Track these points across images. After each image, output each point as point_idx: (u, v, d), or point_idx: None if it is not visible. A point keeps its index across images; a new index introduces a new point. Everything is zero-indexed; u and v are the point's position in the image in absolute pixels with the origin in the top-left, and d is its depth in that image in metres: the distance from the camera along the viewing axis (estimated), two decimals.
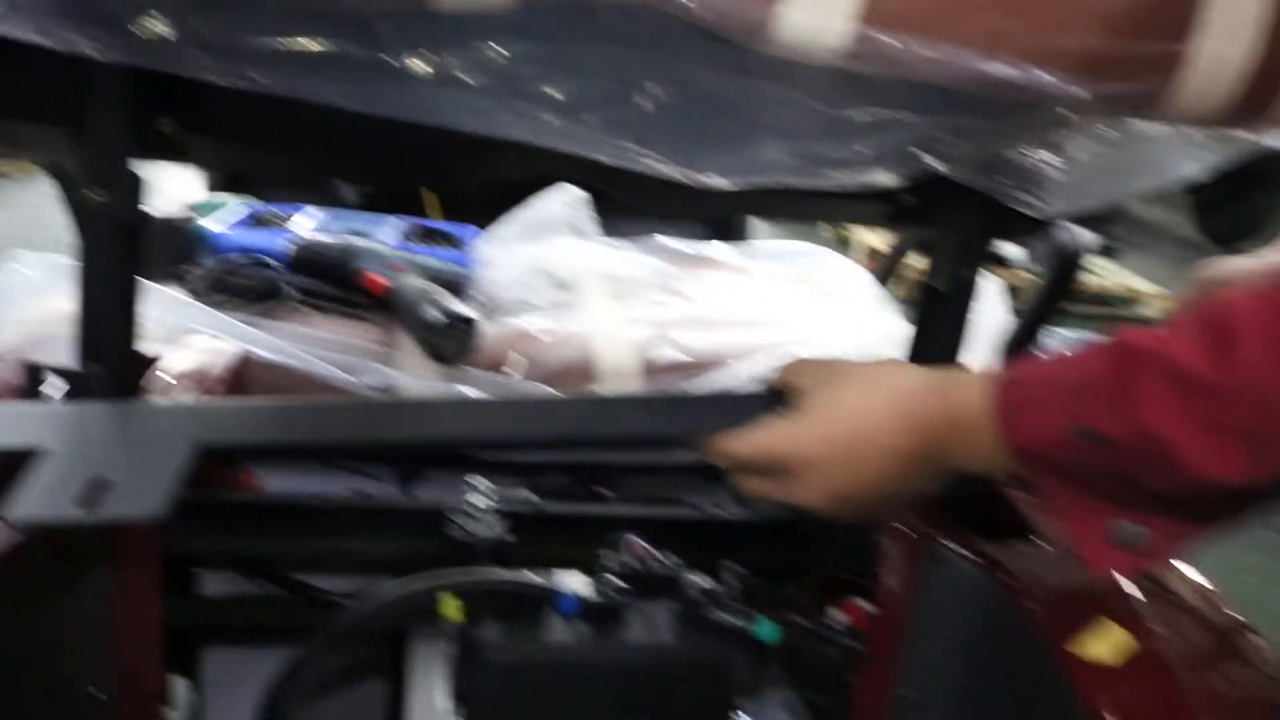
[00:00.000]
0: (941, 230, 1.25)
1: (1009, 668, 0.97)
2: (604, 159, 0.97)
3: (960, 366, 0.84)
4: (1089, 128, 1.06)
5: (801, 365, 0.92)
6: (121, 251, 0.99)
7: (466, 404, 1.13)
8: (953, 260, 1.23)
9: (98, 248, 0.98)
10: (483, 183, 1.14)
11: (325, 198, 2.42)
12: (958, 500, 1.10)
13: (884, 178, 1.05)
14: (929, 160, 1.04)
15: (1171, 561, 0.79)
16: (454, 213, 2.05)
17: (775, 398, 0.91)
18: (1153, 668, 0.88)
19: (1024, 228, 1.31)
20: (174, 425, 0.89)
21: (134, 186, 1.00)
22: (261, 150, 1.12)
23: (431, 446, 0.98)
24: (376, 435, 0.96)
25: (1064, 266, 1.61)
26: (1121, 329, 0.72)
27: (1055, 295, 1.66)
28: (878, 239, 6.51)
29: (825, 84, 0.96)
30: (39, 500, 0.77)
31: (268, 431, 0.93)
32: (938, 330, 1.25)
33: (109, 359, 0.99)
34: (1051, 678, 0.89)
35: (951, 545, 1.04)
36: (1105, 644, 0.89)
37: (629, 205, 1.21)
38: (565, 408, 1.06)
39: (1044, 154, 1.10)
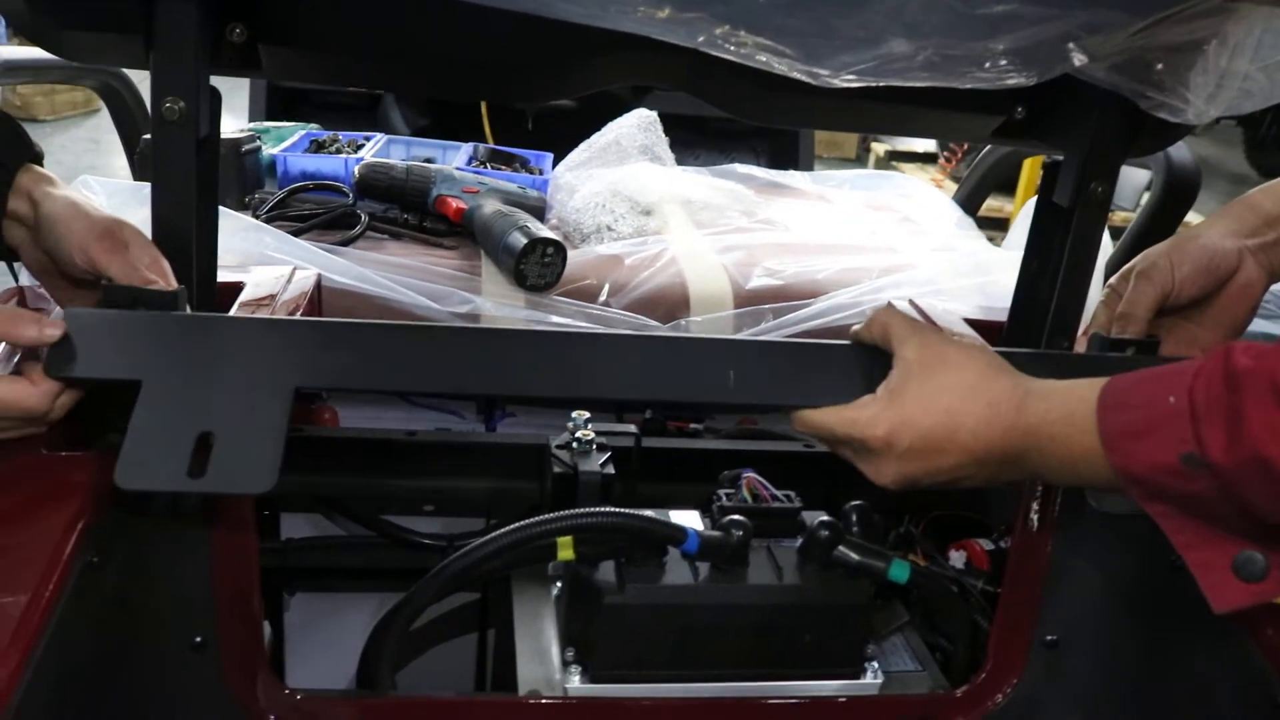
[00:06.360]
0: (1068, 142, 1.15)
1: (1166, 609, 0.89)
2: (715, 53, 0.89)
3: (1061, 382, 0.79)
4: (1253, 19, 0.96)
5: (903, 326, 0.87)
6: (199, 168, 0.92)
7: (568, 337, 1.02)
8: (1078, 173, 1.14)
9: (176, 164, 0.91)
10: (575, 94, 1.05)
11: (378, 126, 2.34)
12: None
13: (1018, 79, 0.96)
14: (1074, 56, 0.94)
15: None
16: (516, 140, 1.95)
17: (868, 355, 0.88)
18: None
19: (1157, 139, 1.21)
20: (271, 362, 0.82)
21: (210, 98, 0.94)
22: (336, 58, 1.04)
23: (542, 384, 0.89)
24: (484, 369, 0.87)
25: (1181, 188, 1.51)
26: (1226, 347, 0.66)
27: (1169, 219, 1.55)
28: (926, 176, 6.37)
29: None
30: (149, 469, 0.72)
31: (362, 374, 0.85)
32: (1057, 250, 1.15)
33: (190, 285, 0.92)
34: (1216, 619, 0.82)
35: None
36: None
37: (728, 112, 1.11)
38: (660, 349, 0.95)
39: (1194, 53, 1.00)
